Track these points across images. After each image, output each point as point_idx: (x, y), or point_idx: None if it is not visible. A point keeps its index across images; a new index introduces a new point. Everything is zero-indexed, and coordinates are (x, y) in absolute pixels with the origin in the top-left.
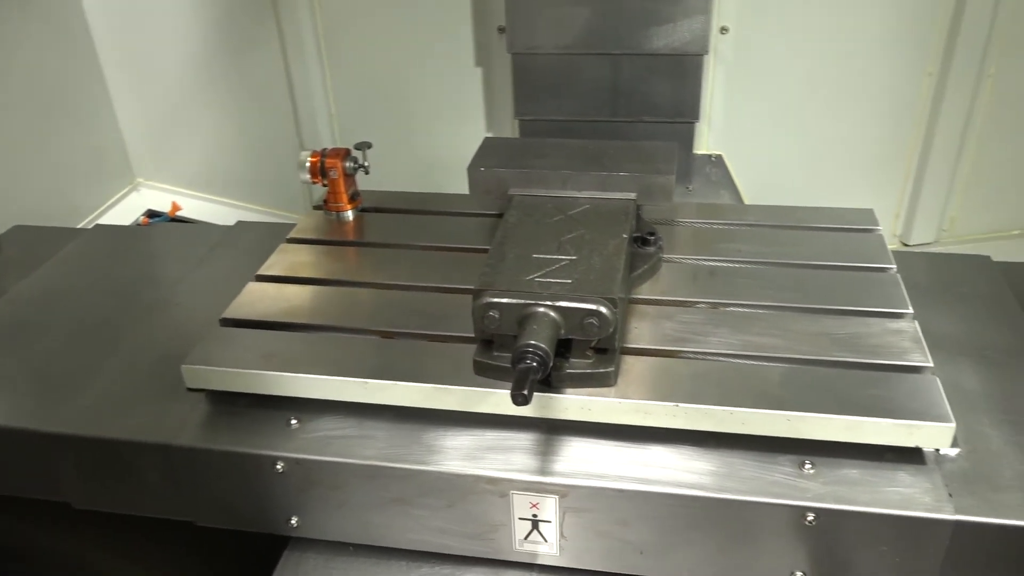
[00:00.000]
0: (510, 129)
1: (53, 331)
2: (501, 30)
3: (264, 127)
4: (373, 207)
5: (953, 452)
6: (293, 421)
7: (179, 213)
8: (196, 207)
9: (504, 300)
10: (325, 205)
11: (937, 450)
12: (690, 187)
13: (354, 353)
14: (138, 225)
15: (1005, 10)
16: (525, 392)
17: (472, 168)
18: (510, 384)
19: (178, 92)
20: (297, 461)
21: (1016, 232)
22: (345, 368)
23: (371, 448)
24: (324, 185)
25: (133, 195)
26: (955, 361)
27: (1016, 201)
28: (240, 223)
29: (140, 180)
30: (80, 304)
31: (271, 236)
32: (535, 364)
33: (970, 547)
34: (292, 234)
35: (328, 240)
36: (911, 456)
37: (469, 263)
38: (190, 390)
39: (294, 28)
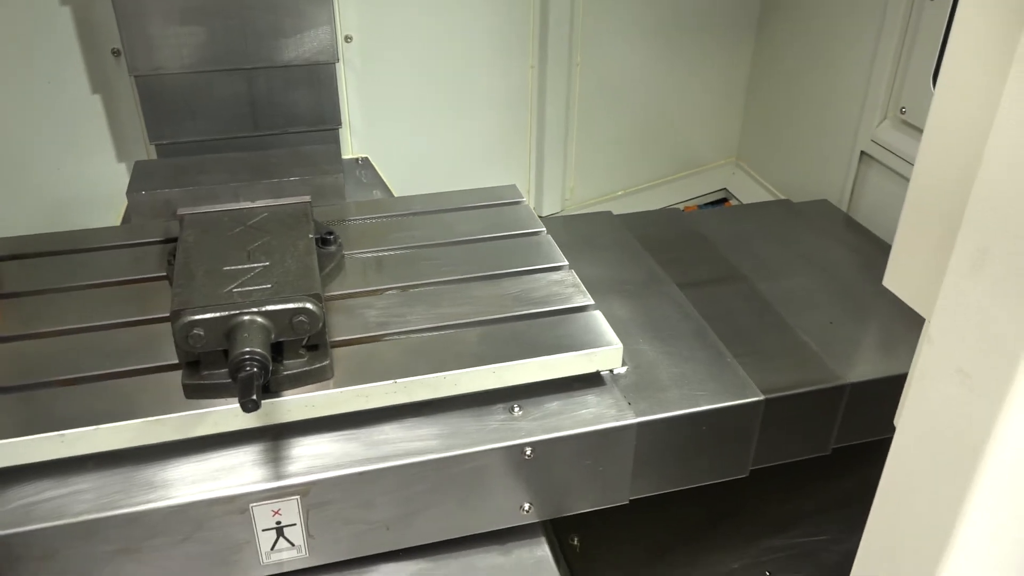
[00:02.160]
0: (145, 155)
1: None
2: (116, 53)
3: None
4: (10, 255)
5: (623, 370)
6: None
7: None
8: None
9: (207, 316)
10: None
11: (611, 371)
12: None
13: (37, 408)
14: None
15: (579, 10)
16: (254, 397)
17: (132, 193)
18: (226, 402)
19: None
20: None
21: (621, 192)
22: (32, 425)
23: (82, 503)
24: None
25: None
26: (606, 298)
27: (616, 166)
28: None
29: None
30: None
31: None
32: (256, 369)
33: (651, 440)
34: None
35: None
36: (593, 381)
37: (141, 294)
38: None
39: None
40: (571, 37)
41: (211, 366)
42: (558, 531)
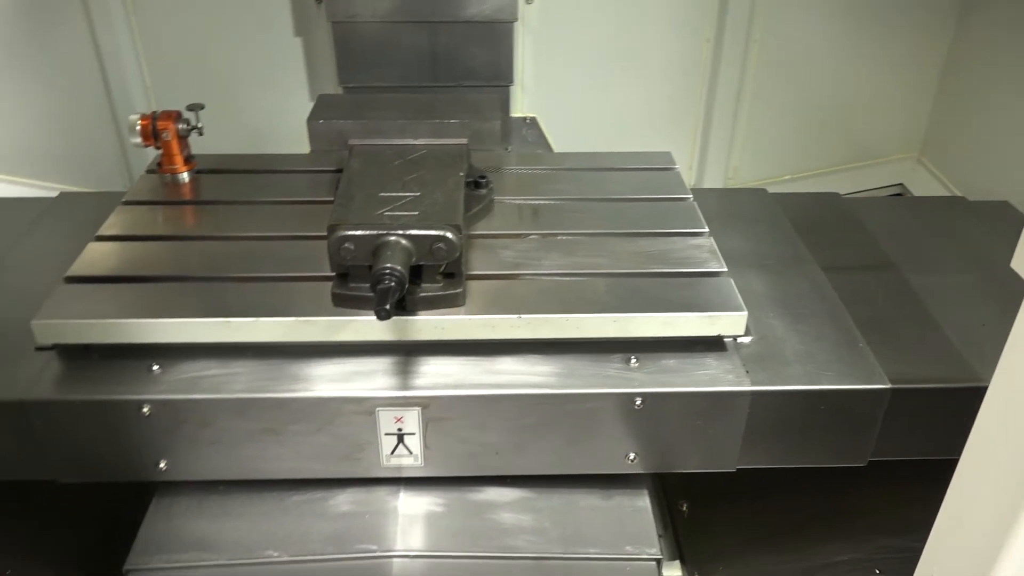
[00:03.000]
0: None
1: None
2: (318, 0)
3: (74, 102)
4: (209, 168)
5: (747, 340)
6: (155, 367)
7: None
8: (4, 190)
9: (358, 232)
10: (159, 168)
11: (735, 339)
12: (509, 148)
13: (212, 297)
14: None
15: None
16: (387, 307)
17: (312, 121)
18: (369, 313)
19: None
20: (164, 403)
21: (787, 177)
22: (205, 310)
23: (238, 383)
24: (157, 148)
25: None
26: (744, 272)
27: (785, 149)
28: (63, 194)
29: None
30: None
31: (98, 205)
32: (393, 284)
33: (765, 412)
34: (128, 197)
35: (167, 200)
36: (715, 346)
37: (313, 214)
38: (39, 349)
39: None
40: (752, 11)
41: (358, 279)
42: (669, 495)
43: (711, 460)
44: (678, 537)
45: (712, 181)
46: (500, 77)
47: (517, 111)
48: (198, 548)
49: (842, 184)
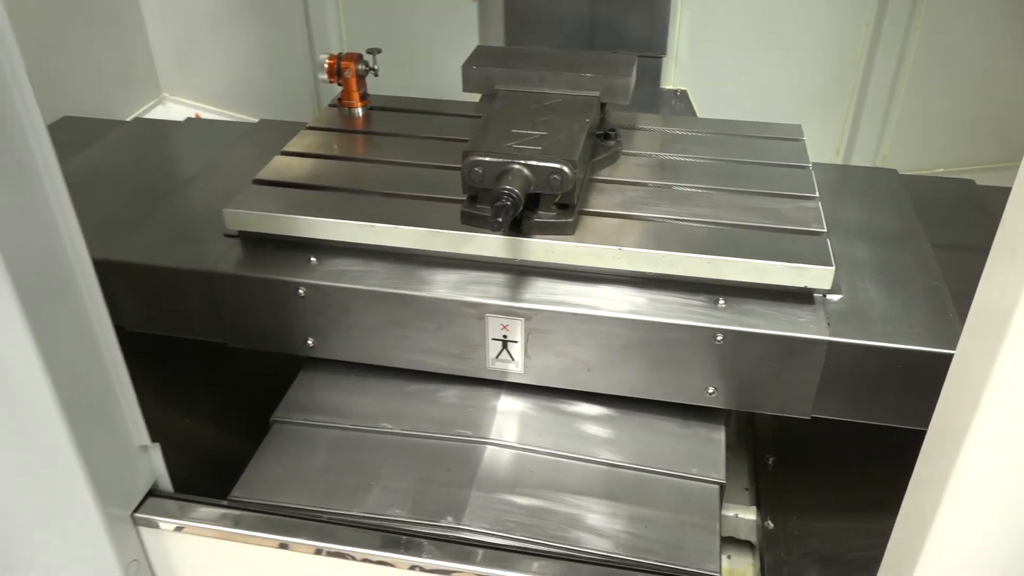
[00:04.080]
0: None
1: (105, 193)
2: None
3: (279, 46)
4: (380, 107)
5: (836, 298)
6: (312, 259)
7: None
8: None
9: (487, 159)
10: (339, 103)
11: (824, 295)
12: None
13: (363, 206)
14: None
15: None
16: (500, 220)
17: (466, 67)
18: (491, 230)
19: (204, 11)
20: (316, 287)
21: (940, 170)
22: (355, 215)
23: (375, 279)
24: (339, 84)
25: (159, 108)
26: (851, 240)
27: (940, 142)
28: (263, 121)
29: (166, 95)
30: (128, 175)
31: (290, 130)
32: (509, 203)
33: (842, 364)
34: (310, 123)
35: (343, 129)
36: (803, 299)
37: (458, 150)
38: (227, 236)
39: None
40: (914, 3)
41: (484, 201)
42: (757, 450)
43: (787, 405)
44: (758, 487)
45: (859, 164)
46: (654, 47)
47: (669, 83)
48: (330, 413)
49: (998, 183)
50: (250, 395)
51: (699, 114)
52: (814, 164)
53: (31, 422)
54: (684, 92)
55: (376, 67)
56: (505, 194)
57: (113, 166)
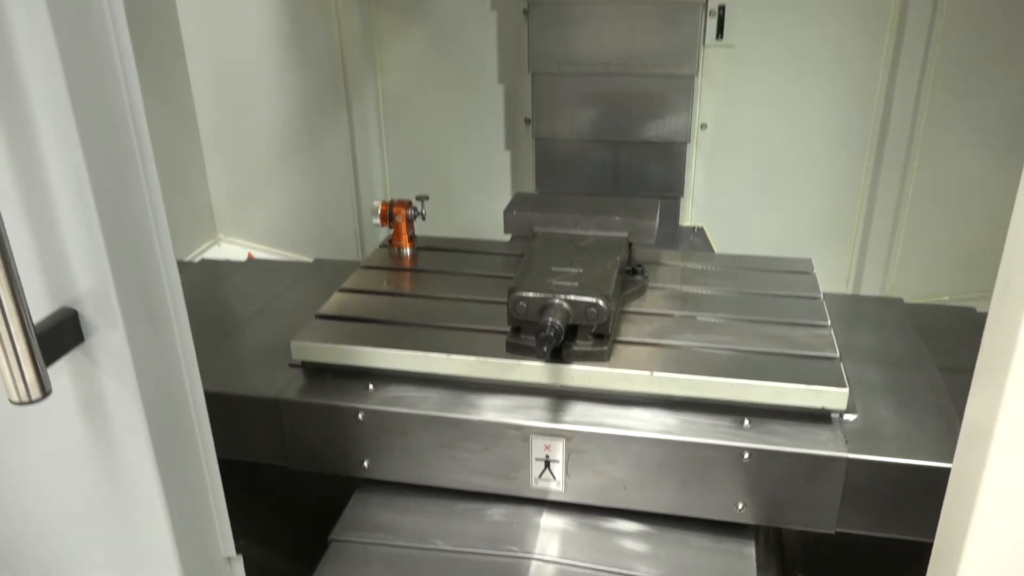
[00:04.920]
0: None
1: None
2: (527, 121)
3: (328, 191)
4: (426, 247)
5: (852, 417)
6: (370, 386)
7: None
8: (266, 258)
9: (530, 294)
10: (390, 244)
11: (840, 415)
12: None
13: (416, 337)
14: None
15: (922, 118)
16: (545, 350)
17: (507, 212)
18: (533, 360)
19: (260, 160)
20: (373, 412)
21: (946, 297)
22: (410, 345)
23: (428, 404)
24: (389, 228)
25: (215, 248)
26: (862, 364)
27: (943, 272)
28: (318, 260)
29: (221, 236)
30: (197, 311)
31: (341, 269)
32: (552, 335)
33: (861, 480)
34: (364, 263)
35: (394, 267)
36: (821, 419)
37: (501, 285)
38: (291, 366)
39: (361, 111)
40: (910, 143)
41: (528, 332)
42: (785, 566)
43: (812, 520)
44: None
45: (868, 294)
46: (672, 189)
47: (687, 220)
48: (384, 531)
49: None
50: (298, 516)
51: (716, 248)
52: (825, 294)
53: (142, 532)
54: (701, 229)
55: (424, 212)
56: (548, 326)
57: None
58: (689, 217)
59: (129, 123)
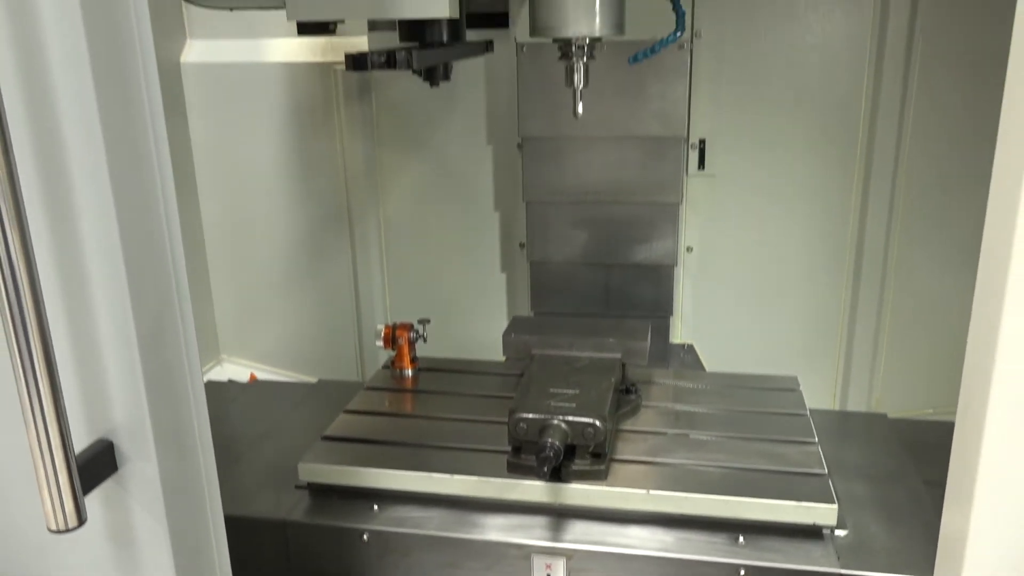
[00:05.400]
0: None
1: None
2: (522, 245)
3: (331, 313)
4: (428, 367)
5: (843, 533)
6: (375, 507)
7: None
8: (268, 379)
9: (530, 416)
10: (392, 365)
11: (832, 531)
12: (668, 369)
13: (420, 458)
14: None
15: (895, 242)
16: (545, 470)
17: (506, 336)
18: (533, 479)
19: (265, 283)
20: (378, 533)
21: (930, 411)
22: (414, 466)
23: (432, 524)
24: (391, 350)
25: (217, 368)
26: (850, 479)
27: (928, 385)
28: (322, 381)
29: (224, 356)
30: None
31: (344, 389)
32: (551, 455)
33: None
34: (368, 384)
35: (397, 388)
36: (813, 535)
37: (501, 405)
38: (297, 487)
39: (363, 237)
40: (885, 263)
41: (528, 452)
42: None
43: None
44: None
45: (854, 409)
46: (661, 309)
47: (676, 338)
48: None
49: None
50: None
51: (706, 365)
52: (812, 410)
53: None
54: (691, 346)
55: (425, 335)
56: (548, 446)
57: None
58: (679, 335)
59: (170, 270)
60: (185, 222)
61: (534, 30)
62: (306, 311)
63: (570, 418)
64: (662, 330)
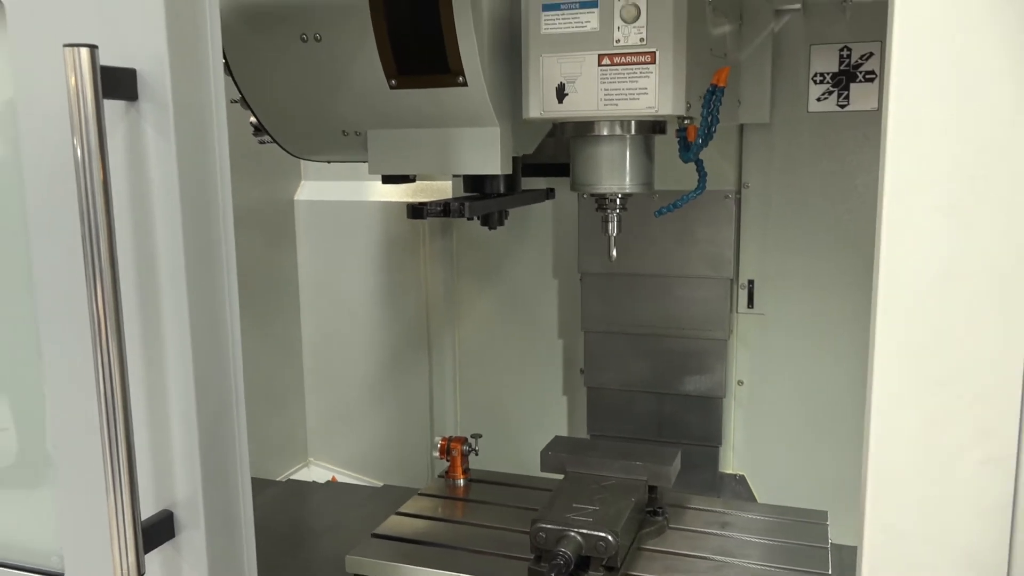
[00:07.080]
0: None
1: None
2: (581, 371)
3: (407, 425)
4: (479, 479)
5: None
6: None
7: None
8: (347, 481)
9: (549, 526)
10: (446, 475)
11: None
12: (712, 497)
13: (457, 560)
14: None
15: None
16: (554, 575)
17: (544, 453)
18: None
19: (351, 394)
20: None
21: None
22: (446, 567)
23: None
24: (447, 460)
25: (304, 470)
26: None
27: None
28: (386, 485)
29: (311, 459)
30: (275, 524)
31: (406, 495)
32: (562, 562)
33: None
34: (422, 490)
35: (447, 496)
36: None
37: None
38: None
39: (439, 358)
40: None
41: (546, 560)
42: None
43: None
44: None
45: None
46: (711, 439)
47: (728, 468)
48: None
49: None
50: None
51: (757, 496)
52: (845, 546)
53: None
54: (743, 476)
55: (476, 448)
56: (560, 554)
57: (263, 515)
58: (731, 465)
59: (231, 381)
60: (286, 337)
61: (574, 185)
62: (385, 422)
63: (584, 531)
64: (711, 459)
